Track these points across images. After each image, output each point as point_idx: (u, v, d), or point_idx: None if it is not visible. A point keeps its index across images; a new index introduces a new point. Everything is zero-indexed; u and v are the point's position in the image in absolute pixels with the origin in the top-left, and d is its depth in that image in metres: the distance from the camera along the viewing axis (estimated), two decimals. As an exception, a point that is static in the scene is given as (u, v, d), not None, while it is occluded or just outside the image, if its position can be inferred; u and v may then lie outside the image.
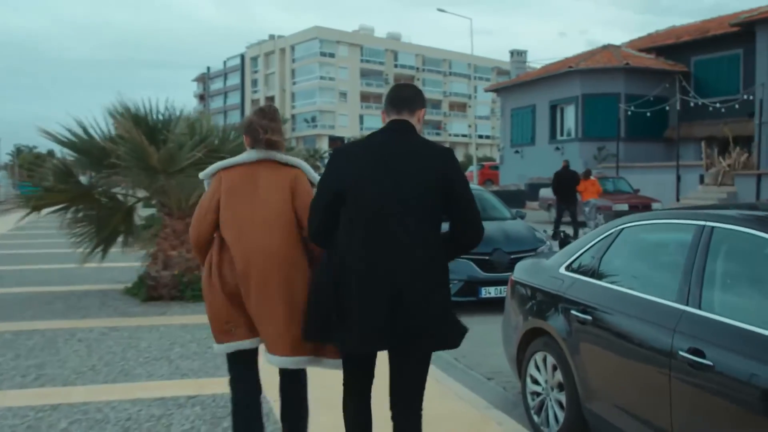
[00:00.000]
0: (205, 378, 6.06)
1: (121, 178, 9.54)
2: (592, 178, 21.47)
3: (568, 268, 5.03)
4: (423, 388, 3.51)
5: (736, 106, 29.14)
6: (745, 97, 28.10)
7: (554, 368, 4.87)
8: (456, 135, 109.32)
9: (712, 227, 3.92)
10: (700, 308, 3.70)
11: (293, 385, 3.92)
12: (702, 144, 27.28)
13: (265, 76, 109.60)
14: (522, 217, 11.43)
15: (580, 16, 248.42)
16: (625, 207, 22.37)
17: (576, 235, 19.10)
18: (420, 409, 3.51)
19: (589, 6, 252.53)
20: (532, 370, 5.19)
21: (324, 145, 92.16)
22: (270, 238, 3.64)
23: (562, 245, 6.47)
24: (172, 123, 9.67)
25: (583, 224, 20.94)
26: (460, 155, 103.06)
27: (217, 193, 3.75)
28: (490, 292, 9.45)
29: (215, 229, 3.77)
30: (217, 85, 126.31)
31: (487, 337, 8.18)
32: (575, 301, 4.65)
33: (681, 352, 3.59)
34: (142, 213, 10.63)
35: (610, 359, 4.25)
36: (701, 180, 26.72)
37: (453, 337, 3.40)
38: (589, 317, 4.42)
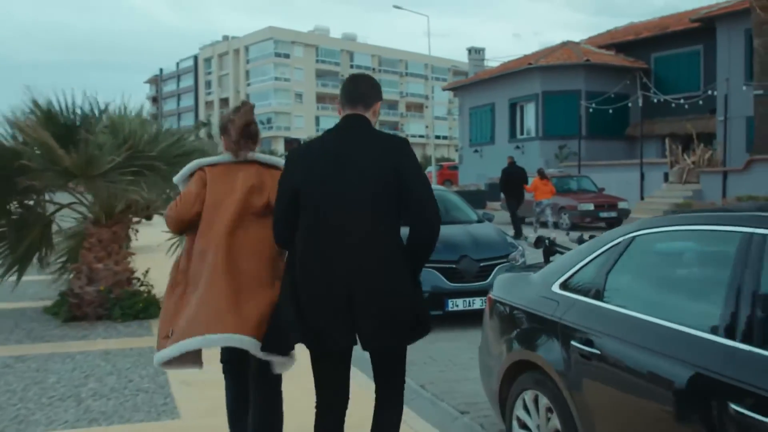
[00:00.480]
0: (117, 425, 4.94)
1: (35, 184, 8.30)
2: (546, 178, 21.15)
3: (564, 287, 4.01)
4: (400, 378, 3.60)
5: (700, 102, 28.66)
6: (709, 92, 27.57)
7: (549, 411, 3.85)
8: (413, 136, 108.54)
9: (765, 236, 2.94)
10: (752, 344, 2.71)
11: (267, 388, 3.81)
12: (666, 141, 26.67)
13: (218, 78, 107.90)
14: (490, 219, 10.45)
15: (534, 17, 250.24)
16: (590, 206, 21.63)
17: (518, 234, 18.35)
18: (401, 398, 3.62)
19: (543, 8, 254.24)
20: (519, 411, 4.16)
21: (279, 147, 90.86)
22: (254, 236, 3.66)
23: (547, 254, 5.45)
24: (95, 121, 8.50)
25: (523, 220, 21.27)
26: (418, 156, 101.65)
27: (202, 185, 3.74)
28: (457, 304, 8.45)
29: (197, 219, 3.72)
30: (170, 87, 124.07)
31: (457, 358, 7.23)
32: (576, 328, 3.65)
33: (735, 406, 2.61)
34: (64, 224, 9.40)
35: (624, 404, 3.26)
36: (666, 178, 26.11)
37: (409, 335, 3.38)
38: (596, 350, 3.44)
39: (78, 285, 8.59)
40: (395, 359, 3.55)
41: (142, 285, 9.04)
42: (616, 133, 33.03)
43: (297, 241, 3.34)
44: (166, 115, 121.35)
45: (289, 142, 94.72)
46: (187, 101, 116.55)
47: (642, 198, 26.16)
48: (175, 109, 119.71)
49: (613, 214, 21.74)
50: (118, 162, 7.87)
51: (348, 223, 3.22)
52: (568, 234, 18.24)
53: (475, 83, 37.83)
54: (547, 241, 5.45)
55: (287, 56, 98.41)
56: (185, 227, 3.78)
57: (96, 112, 8.36)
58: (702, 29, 29.07)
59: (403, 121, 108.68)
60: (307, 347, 3.38)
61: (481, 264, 8.63)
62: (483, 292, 8.38)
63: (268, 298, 3.57)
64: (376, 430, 3.59)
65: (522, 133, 34.83)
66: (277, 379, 3.84)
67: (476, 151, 37.61)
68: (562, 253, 5.26)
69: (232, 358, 3.91)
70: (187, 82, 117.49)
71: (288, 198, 3.35)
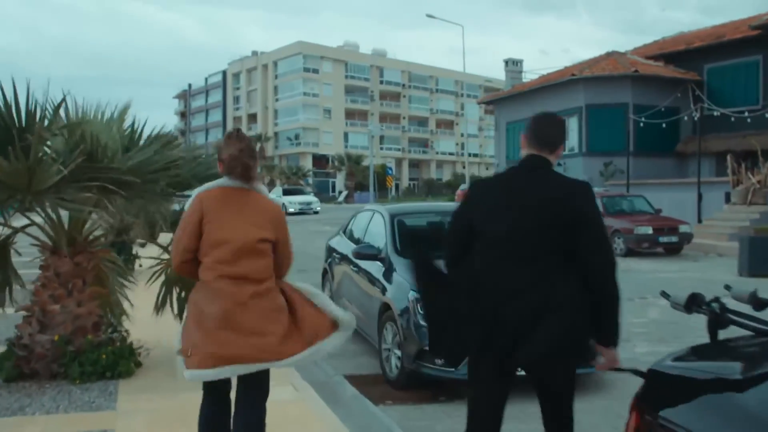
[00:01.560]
0: None
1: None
2: None
3: None
4: (565, 406, 3.60)
5: (766, 116, 26.23)
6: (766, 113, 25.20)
7: None
8: (443, 153, 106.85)
9: None
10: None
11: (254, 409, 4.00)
12: (728, 157, 24.29)
13: (247, 93, 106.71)
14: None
15: (559, 35, 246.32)
16: (649, 230, 19.34)
17: None
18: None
19: (567, 26, 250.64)
20: None
21: (308, 164, 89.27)
22: (246, 263, 3.85)
23: (716, 327, 3.30)
24: (51, 121, 6.47)
25: None
26: (448, 174, 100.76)
27: (197, 213, 3.90)
28: (526, 366, 6.41)
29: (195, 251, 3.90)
30: (198, 102, 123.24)
31: None
32: None
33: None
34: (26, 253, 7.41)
35: None
36: (727, 198, 23.76)
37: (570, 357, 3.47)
38: None
39: (28, 332, 6.59)
40: (560, 387, 3.60)
41: (114, 331, 7.03)
42: (666, 150, 30.74)
43: (470, 262, 3.55)
44: (194, 130, 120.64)
45: (318, 159, 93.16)
46: (215, 116, 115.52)
47: (700, 221, 23.83)
48: (203, 125, 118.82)
49: (674, 239, 19.46)
50: (74, 175, 5.86)
51: (513, 256, 3.42)
52: (728, 289, 15.86)
53: (513, 96, 35.74)
54: (713, 305, 3.26)
55: (316, 71, 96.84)
56: (185, 259, 3.93)
57: (49, 110, 6.27)
58: (761, 37, 26.78)
59: (433, 138, 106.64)
60: (470, 356, 3.53)
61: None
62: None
63: (279, 323, 3.88)
64: None
65: (564, 149, 32.52)
66: (265, 395, 4.07)
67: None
68: (745, 326, 3.12)
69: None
70: (216, 97, 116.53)
71: (460, 226, 3.65)
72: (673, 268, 16.74)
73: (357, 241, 9.15)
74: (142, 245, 11.74)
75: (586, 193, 3.47)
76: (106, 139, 6.32)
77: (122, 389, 6.28)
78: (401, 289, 6.98)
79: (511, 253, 3.42)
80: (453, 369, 6.34)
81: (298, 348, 3.92)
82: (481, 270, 3.46)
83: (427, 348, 6.41)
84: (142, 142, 6.99)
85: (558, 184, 3.51)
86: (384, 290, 7.34)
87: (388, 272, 7.48)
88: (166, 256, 7.04)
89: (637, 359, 8.01)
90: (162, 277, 7.17)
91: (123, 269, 7.68)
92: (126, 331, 7.15)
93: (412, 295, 6.68)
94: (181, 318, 6.77)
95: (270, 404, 4.08)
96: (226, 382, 3.95)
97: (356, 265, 8.46)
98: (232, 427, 4.02)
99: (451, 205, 12.16)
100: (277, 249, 4.02)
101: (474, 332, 3.40)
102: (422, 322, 6.47)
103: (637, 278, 14.33)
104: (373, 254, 7.88)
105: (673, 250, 19.85)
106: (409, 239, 8.07)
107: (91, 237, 7.00)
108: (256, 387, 4.00)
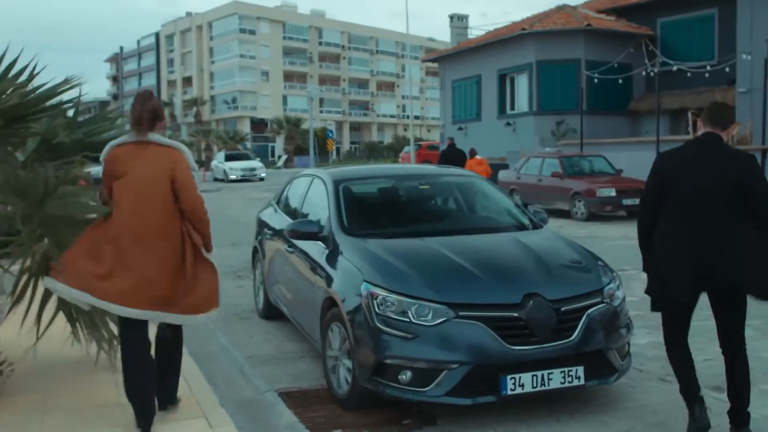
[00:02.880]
0: None
1: None
2: (478, 157, 19.68)
3: None
4: (742, 328, 4.50)
5: (727, 70, 24.99)
6: (726, 68, 23.94)
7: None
8: (384, 116, 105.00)
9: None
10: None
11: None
12: (689, 114, 23.08)
13: (181, 55, 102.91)
14: (544, 221, 6.67)
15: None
16: (612, 192, 17.96)
17: None
18: (743, 344, 4.50)
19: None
20: None
21: (246, 128, 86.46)
22: (146, 210, 4.39)
23: None
24: None
25: None
26: (389, 137, 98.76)
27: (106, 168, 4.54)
28: (522, 383, 4.72)
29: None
30: (131, 65, 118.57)
31: None
32: None
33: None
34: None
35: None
36: (687, 157, 22.53)
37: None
38: None
39: None
40: (737, 311, 4.49)
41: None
42: (618, 108, 29.43)
43: (662, 221, 4.54)
44: (127, 95, 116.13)
45: (257, 124, 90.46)
46: (149, 80, 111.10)
47: (659, 181, 22.55)
48: (136, 89, 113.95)
49: (638, 201, 18.08)
50: None
51: (702, 209, 4.37)
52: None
53: (459, 53, 33.92)
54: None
55: (253, 32, 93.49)
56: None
57: None
58: (716, -9, 25.56)
59: (374, 100, 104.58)
60: (658, 300, 4.57)
61: (562, 308, 4.89)
62: (564, 361, 4.73)
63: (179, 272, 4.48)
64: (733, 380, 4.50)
65: (513, 108, 31.05)
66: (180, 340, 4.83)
67: (460, 128, 33.80)
68: None
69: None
70: (149, 60, 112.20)
71: (657, 189, 4.57)
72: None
73: (294, 214, 7.36)
74: None
75: (753, 162, 4.44)
76: None
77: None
78: (351, 279, 5.24)
79: (702, 210, 4.37)
80: (423, 389, 4.70)
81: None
82: (680, 225, 4.42)
83: (388, 361, 4.74)
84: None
85: (731, 154, 4.47)
86: (328, 280, 5.57)
87: (332, 256, 5.72)
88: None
89: (641, 353, 6.49)
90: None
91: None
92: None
93: (366, 288, 4.98)
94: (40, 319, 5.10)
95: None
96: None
97: (292, 245, 6.69)
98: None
99: (404, 167, 10.44)
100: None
101: (685, 271, 4.37)
102: (380, 326, 4.79)
103: (607, 246, 12.86)
104: (312, 232, 6.07)
105: (636, 214, 18.46)
106: (359, 212, 6.37)
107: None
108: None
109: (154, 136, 4.49)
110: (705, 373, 5.09)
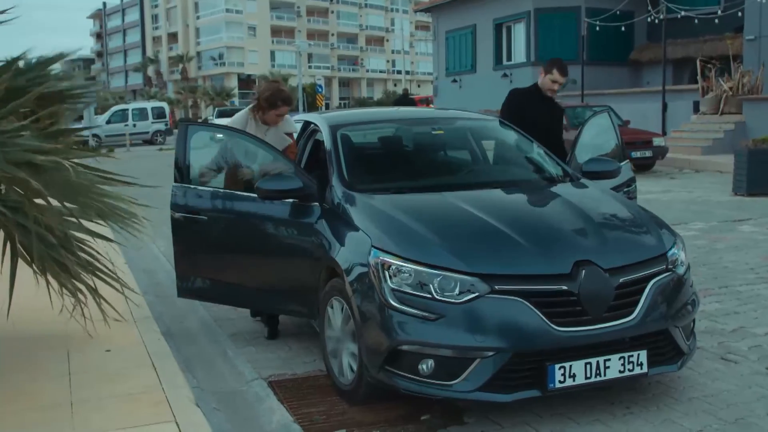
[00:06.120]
0: None
1: None
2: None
3: None
4: None
5: (739, 14, 23.82)
6: (738, 12, 22.75)
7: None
8: (374, 71, 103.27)
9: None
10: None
11: None
12: (698, 62, 21.95)
13: (166, 11, 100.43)
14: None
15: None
16: (619, 144, 16.95)
17: None
18: None
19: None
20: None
21: (233, 84, 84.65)
22: None
23: None
24: None
25: None
26: (379, 92, 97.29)
27: None
28: (573, 374, 3.78)
29: None
30: (115, 22, 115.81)
31: None
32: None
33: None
34: None
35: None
36: (696, 108, 21.54)
37: None
38: None
39: None
40: None
41: None
42: (619, 59, 28.35)
43: None
44: (111, 52, 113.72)
45: (244, 81, 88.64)
46: (134, 37, 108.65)
47: (665, 133, 21.58)
48: (121, 46, 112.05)
49: (648, 153, 17.12)
50: None
51: None
52: None
53: (452, 2, 32.59)
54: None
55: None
56: None
57: None
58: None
59: (363, 55, 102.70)
60: None
61: (621, 279, 3.92)
62: (622, 345, 3.79)
63: None
64: None
65: (510, 59, 29.93)
66: None
67: (455, 81, 32.65)
68: None
69: None
70: (133, 16, 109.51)
71: None
72: (656, 188, 14.42)
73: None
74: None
75: None
76: None
77: None
78: (355, 244, 4.24)
79: None
80: (449, 383, 3.75)
81: None
82: None
83: (404, 347, 3.78)
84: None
85: None
86: (328, 246, 4.56)
87: (330, 216, 4.71)
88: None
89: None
90: None
91: None
92: None
93: (375, 255, 3.99)
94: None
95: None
96: None
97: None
98: None
99: (412, 110, 9.38)
100: None
101: None
102: (394, 303, 3.82)
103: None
104: (294, 189, 4.91)
105: (644, 167, 17.51)
106: (363, 162, 5.35)
107: None
108: None
109: None
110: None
